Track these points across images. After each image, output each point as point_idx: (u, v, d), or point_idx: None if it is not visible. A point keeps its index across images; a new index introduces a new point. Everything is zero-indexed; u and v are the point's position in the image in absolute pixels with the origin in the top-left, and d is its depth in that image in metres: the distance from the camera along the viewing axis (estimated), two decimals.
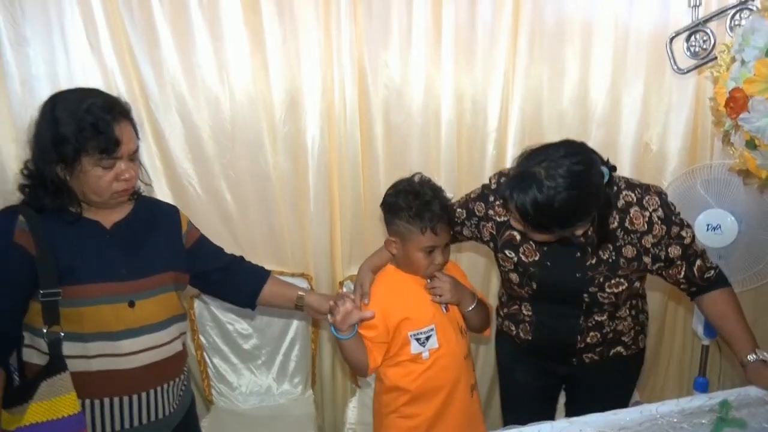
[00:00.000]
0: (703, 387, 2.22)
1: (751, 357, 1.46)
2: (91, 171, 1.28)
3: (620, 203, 1.45)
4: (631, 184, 1.49)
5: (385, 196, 1.58)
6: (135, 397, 1.36)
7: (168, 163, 2.13)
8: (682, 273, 1.53)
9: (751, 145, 1.57)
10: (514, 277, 1.61)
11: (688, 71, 2.05)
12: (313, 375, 2.37)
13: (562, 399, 1.86)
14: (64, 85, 1.98)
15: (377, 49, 2.16)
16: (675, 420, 1.21)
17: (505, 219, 1.54)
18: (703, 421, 1.24)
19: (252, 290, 1.62)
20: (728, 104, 1.57)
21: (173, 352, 1.44)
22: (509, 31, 2.20)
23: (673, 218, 1.47)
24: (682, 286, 1.57)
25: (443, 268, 1.59)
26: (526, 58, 2.24)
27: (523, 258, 1.56)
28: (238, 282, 1.62)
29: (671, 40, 2.06)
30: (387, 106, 2.22)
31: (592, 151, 1.37)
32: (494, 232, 1.60)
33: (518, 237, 1.55)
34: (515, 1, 2.18)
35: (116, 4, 1.97)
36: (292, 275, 2.24)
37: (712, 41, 1.94)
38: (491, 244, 1.63)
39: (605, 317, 1.57)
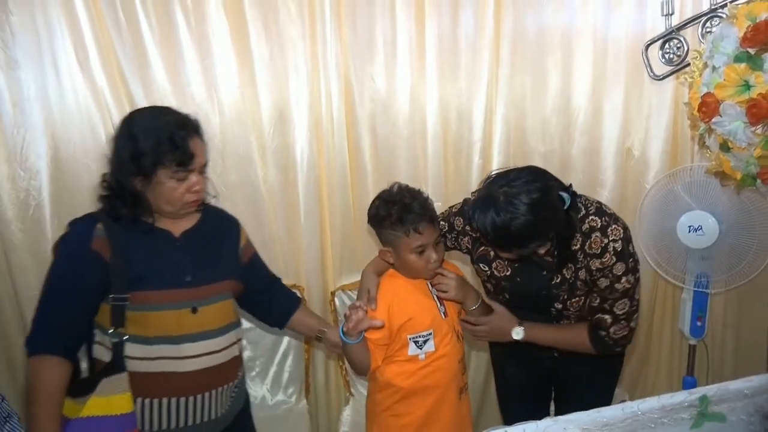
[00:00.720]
0: (691, 386, 2.25)
1: (518, 328, 1.61)
2: (166, 183, 1.37)
3: (585, 227, 1.49)
4: (600, 211, 1.51)
5: (368, 210, 1.64)
6: (191, 399, 1.44)
7: None
8: (587, 306, 1.56)
9: (725, 147, 1.63)
10: (489, 286, 1.71)
11: (664, 77, 2.10)
12: (306, 385, 2.39)
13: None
14: (56, 106, 2.03)
15: (363, 63, 2.21)
16: (656, 416, 1.24)
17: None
18: (684, 416, 1.27)
19: (284, 315, 1.72)
20: (701, 109, 1.62)
21: (230, 357, 1.52)
22: (491, 42, 2.25)
23: (628, 258, 1.48)
24: (580, 314, 1.61)
25: (441, 264, 1.64)
26: (509, 69, 2.29)
27: (496, 272, 1.64)
28: (273, 305, 1.71)
29: (647, 47, 2.11)
30: (374, 119, 2.26)
31: (553, 178, 1.45)
32: (470, 246, 1.70)
33: (492, 253, 1.62)
34: (496, 13, 2.23)
35: (105, 25, 2.01)
36: None
37: (686, 48, 2.00)
38: (469, 256, 1.72)
39: (576, 321, 1.63)
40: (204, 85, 2.12)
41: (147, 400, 1.41)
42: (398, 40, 2.21)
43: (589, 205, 1.52)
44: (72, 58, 2.01)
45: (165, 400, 1.41)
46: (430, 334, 1.61)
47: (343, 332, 1.54)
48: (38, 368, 1.33)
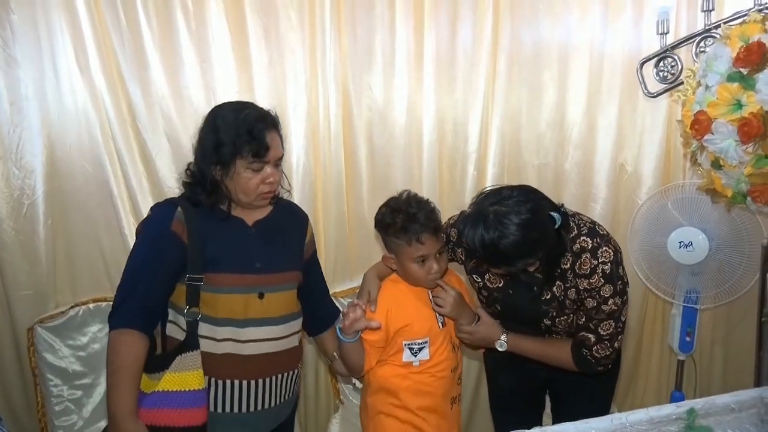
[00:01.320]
0: (679, 401, 2.25)
1: (501, 339, 1.64)
2: (243, 173, 1.45)
3: (575, 247, 1.51)
4: (593, 232, 1.52)
5: (375, 215, 1.66)
6: (252, 382, 1.49)
7: (155, 183, 2.16)
8: (575, 324, 1.57)
9: (716, 165, 1.65)
10: (481, 297, 1.72)
11: (658, 95, 2.13)
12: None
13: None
14: (53, 106, 2.03)
15: (361, 72, 2.23)
16: (644, 428, 1.26)
17: None
18: (672, 429, 1.28)
19: (322, 325, 1.75)
20: (693, 126, 1.65)
21: (290, 345, 1.57)
22: (489, 55, 2.27)
23: (616, 281, 1.49)
24: (569, 332, 1.62)
25: (443, 275, 1.65)
26: (505, 82, 2.32)
27: (488, 284, 1.66)
28: (319, 309, 1.74)
29: (641, 65, 2.14)
30: (370, 128, 2.28)
31: (543, 198, 1.46)
32: (463, 258, 1.71)
33: (484, 265, 1.62)
34: (494, 27, 2.26)
35: (106, 26, 2.02)
36: None
37: (680, 67, 2.02)
38: (463, 267, 1.74)
39: (564, 336, 1.65)
40: (202, 89, 2.13)
41: (213, 379, 1.46)
42: (397, 51, 2.24)
43: (582, 225, 1.53)
44: (71, 59, 2.02)
45: (228, 381, 1.47)
46: (425, 342, 1.62)
47: (340, 329, 1.56)
48: (119, 341, 1.39)
